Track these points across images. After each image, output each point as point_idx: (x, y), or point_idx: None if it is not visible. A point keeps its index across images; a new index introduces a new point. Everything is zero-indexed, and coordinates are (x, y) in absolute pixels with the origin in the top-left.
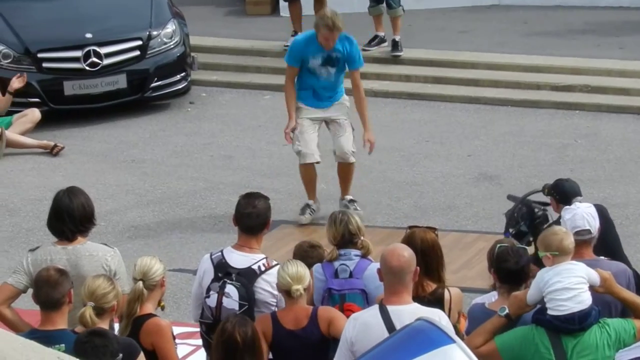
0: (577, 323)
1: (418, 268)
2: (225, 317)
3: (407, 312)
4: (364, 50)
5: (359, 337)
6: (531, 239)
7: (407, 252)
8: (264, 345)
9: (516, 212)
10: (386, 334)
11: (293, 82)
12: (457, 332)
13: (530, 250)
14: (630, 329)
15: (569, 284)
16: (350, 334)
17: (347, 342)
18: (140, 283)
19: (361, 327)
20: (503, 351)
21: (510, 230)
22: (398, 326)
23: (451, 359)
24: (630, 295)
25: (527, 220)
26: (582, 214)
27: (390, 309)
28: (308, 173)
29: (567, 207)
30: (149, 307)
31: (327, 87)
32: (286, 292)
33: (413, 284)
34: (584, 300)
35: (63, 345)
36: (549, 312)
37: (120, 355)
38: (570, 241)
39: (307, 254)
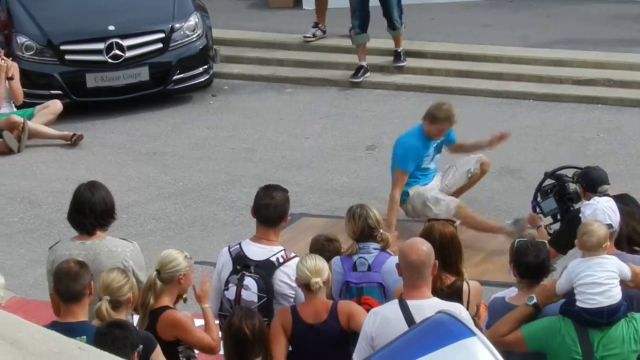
0: (606, 317)
1: (437, 262)
2: (230, 314)
3: (427, 306)
4: (352, 82)
5: (379, 332)
6: (556, 214)
7: (425, 246)
8: (283, 338)
9: (547, 184)
10: (406, 329)
11: (402, 189)
12: (476, 325)
13: (555, 227)
14: None
15: (599, 279)
16: (370, 328)
17: (367, 337)
18: (155, 274)
19: (381, 321)
20: (529, 340)
21: (539, 199)
22: (418, 320)
23: (472, 352)
24: None
25: (557, 195)
26: (602, 209)
27: (410, 303)
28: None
29: (587, 202)
30: (164, 300)
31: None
32: (305, 285)
33: (432, 277)
34: (614, 295)
35: (84, 337)
36: (578, 304)
37: (141, 346)
38: (590, 240)
39: (323, 247)
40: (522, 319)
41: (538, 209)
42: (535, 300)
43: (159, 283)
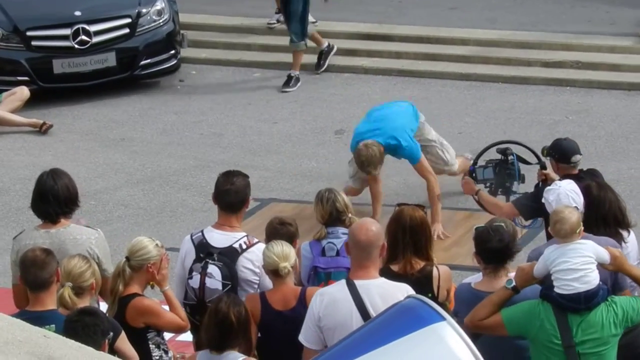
0: (583, 303)
1: (385, 243)
2: (217, 297)
3: (374, 286)
4: (283, 92)
5: (326, 312)
6: (491, 185)
7: (375, 227)
8: (253, 326)
9: (493, 158)
10: (354, 309)
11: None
12: (447, 310)
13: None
14: (638, 307)
15: (575, 265)
16: (317, 308)
17: (315, 317)
18: (124, 260)
19: (329, 302)
20: (509, 324)
21: (479, 164)
22: (366, 300)
23: (441, 336)
24: None
25: (497, 167)
26: (565, 193)
27: (358, 283)
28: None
29: (549, 188)
30: (134, 288)
31: None
32: (273, 271)
33: (382, 259)
34: (591, 280)
35: (53, 325)
36: (556, 290)
37: (111, 334)
38: (563, 227)
39: (276, 230)
40: (501, 302)
41: (474, 174)
42: (514, 283)
43: (128, 270)
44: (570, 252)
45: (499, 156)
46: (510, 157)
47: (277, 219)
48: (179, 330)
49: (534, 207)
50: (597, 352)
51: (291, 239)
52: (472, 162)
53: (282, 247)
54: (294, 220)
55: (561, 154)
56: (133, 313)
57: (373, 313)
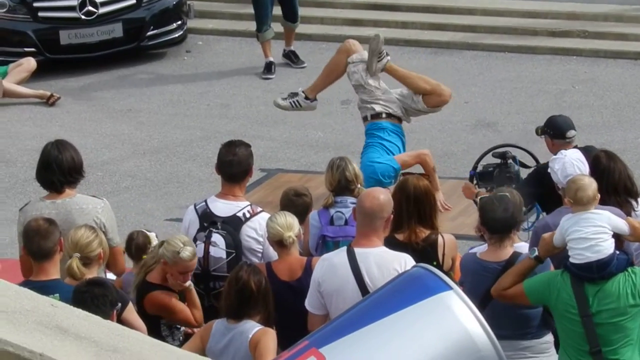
0: (596, 272)
1: (391, 216)
2: (238, 266)
3: (373, 254)
4: (265, 79)
5: (324, 278)
6: (492, 188)
7: (383, 196)
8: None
9: (491, 162)
10: (351, 276)
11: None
12: (452, 279)
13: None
14: None
15: (586, 234)
16: (318, 274)
17: (315, 282)
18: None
19: (328, 267)
20: (530, 294)
21: (478, 168)
22: (363, 268)
23: (448, 305)
24: None
25: (497, 169)
26: (570, 162)
27: (358, 251)
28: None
29: (554, 157)
30: (156, 277)
31: None
32: (278, 242)
33: (387, 231)
34: (603, 249)
35: (57, 294)
36: (570, 260)
37: (120, 304)
38: (586, 194)
39: (292, 202)
40: (525, 272)
41: (475, 180)
42: (537, 253)
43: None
44: (582, 222)
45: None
46: (509, 161)
47: (292, 190)
48: (191, 326)
49: (531, 192)
50: (614, 323)
51: (306, 209)
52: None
53: (285, 218)
54: (308, 191)
55: (556, 130)
56: (149, 304)
57: (368, 281)
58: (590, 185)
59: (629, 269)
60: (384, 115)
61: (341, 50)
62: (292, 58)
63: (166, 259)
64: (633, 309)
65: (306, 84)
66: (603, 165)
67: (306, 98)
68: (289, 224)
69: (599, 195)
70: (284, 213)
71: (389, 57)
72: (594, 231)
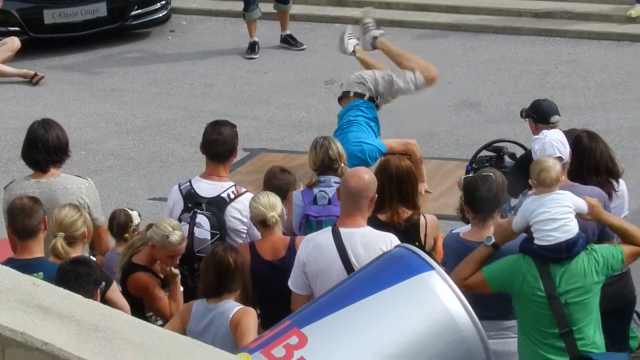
0: (565, 252)
1: (376, 195)
2: (213, 245)
3: (358, 234)
4: (249, 59)
5: (309, 258)
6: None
7: (367, 176)
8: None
9: (485, 155)
10: (336, 256)
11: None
12: (434, 259)
13: None
14: (617, 254)
15: (554, 214)
16: (303, 254)
17: (300, 262)
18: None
19: (313, 248)
20: (491, 281)
21: (474, 165)
22: (349, 248)
23: (430, 285)
24: (617, 220)
25: (492, 166)
26: (550, 142)
27: (343, 231)
28: None
29: (535, 137)
30: (142, 259)
31: None
32: (261, 222)
33: (370, 210)
34: (571, 229)
35: (41, 273)
36: (536, 242)
37: (104, 283)
38: (549, 175)
39: (275, 176)
40: (482, 260)
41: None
42: (493, 240)
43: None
44: (549, 202)
45: (488, 155)
46: (504, 156)
47: (279, 167)
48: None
49: (518, 181)
50: (580, 301)
51: (287, 186)
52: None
53: (268, 197)
54: (292, 171)
55: (540, 115)
56: (131, 285)
57: (354, 261)
58: (554, 167)
59: (588, 247)
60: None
61: None
62: (290, 42)
63: (155, 242)
64: (596, 286)
65: (291, 63)
66: (584, 145)
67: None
68: (272, 203)
69: (562, 177)
70: (266, 193)
71: (379, 32)
72: (561, 211)
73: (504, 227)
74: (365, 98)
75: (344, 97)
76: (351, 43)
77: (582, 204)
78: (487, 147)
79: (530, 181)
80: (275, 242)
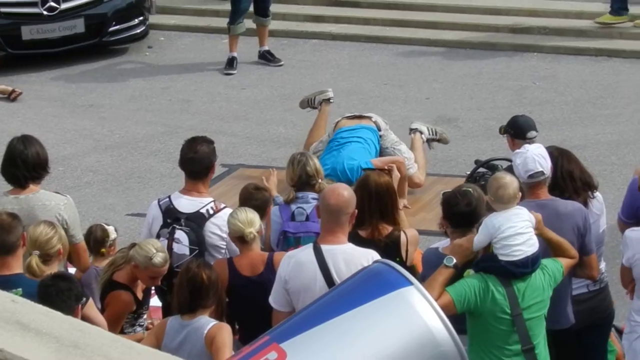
0: (531, 266)
1: (356, 211)
2: (186, 261)
3: (340, 251)
4: (227, 74)
5: (291, 275)
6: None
7: (347, 192)
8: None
9: (476, 173)
10: (319, 273)
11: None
12: (414, 274)
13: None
14: (559, 267)
15: (520, 229)
16: (284, 271)
17: (281, 279)
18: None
19: (295, 265)
20: (459, 302)
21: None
22: (331, 265)
23: (408, 301)
24: (555, 236)
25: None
26: (532, 157)
27: (324, 248)
28: None
29: (517, 151)
30: (122, 277)
31: None
32: (239, 238)
33: (350, 225)
34: (535, 242)
35: (20, 289)
36: (503, 258)
37: (84, 299)
38: (507, 192)
39: (251, 195)
40: (445, 281)
41: None
42: (454, 261)
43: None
44: (514, 217)
45: (482, 172)
46: (497, 167)
47: (253, 185)
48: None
49: None
50: (538, 316)
51: (265, 204)
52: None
53: (246, 214)
54: (269, 188)
55: (517, 131)
56: (110, 300)
57: (336, 278)
58: (512, 184)
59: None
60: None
61: None
62: (268, 57)
63: (137, 263)
64: (548, 301)
65: (269, 79)
66: (554, 159)
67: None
68: (250, 219)
69: (519, 194)
70: (244, 209)
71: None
72: (525, 225)
73: (465, 247)
74: (380, 133)
75: (365, 118)
76: (424, 129)
77: (533, 219)
78: (483, 165)
79: (487, 197)
80: (253, 257)
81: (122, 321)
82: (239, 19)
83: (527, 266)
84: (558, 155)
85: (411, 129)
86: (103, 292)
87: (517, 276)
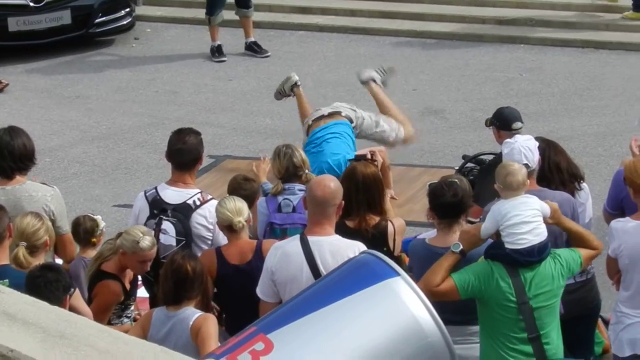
0: (537, 255)
1: (343, 202)
2: (172, 252)
3: (326, 242)
4: (218, 62)
5: (278, 267)
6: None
7: (333, 184)
8: (210, 282)
9: (464, 168)
10: (305, 264)
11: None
12: (401, 264)
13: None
14: (577, 258)
15: (526, 217)
16: (271, 262)
17: (268, 270)
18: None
19: (281, 256)
20: (462, 288)
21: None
22: (317, 256)
23: (395, 291)
24: (575, 225)
25: (475, 177)
26: (519, 148)
27: (311, 239)
28: None
29: (506, 140)
30: (110, 267)
31: None
32: (228, 227)
33: (337, 217)
34: (542, 232)
35: (7, 280)
36: (508, 246)
37: (72, 290)
38: (515, 179)
39: (240, 186)
40: (449, 267)
41: None
42: (461, 247)
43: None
44: (520, 206)
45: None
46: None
47: (242, 175)
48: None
49: (486, 184)
50: (548, 305)
51: (254, 195)
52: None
53: (234, 203)
54: (258, 175)
55: (502, 122)
56: (99, 289)
57: (322, 269)
58: (520, 170)
59: (552, 251)
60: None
61: None
62: (254, 49)
63: (125, 249)
64: (560, 290)
65: (255, 70)
66: (541, 150)
67: None
68: (239, 208)
69: (528, 181)
70: (233, 198)
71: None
72: (532, 214)
73: (472, 234)
74: (353, 125)
75: (334, 115)
76: (375, 75)
77: (546, 208)
78: (470, 160)
79: (496, 186)
80: (242, 246)
81: (110, 311)
82: (217, 9)
83: (532, 255)
84: (545, 146)
85: (363, 82)
86: (91, 283)
87: (523, 264)
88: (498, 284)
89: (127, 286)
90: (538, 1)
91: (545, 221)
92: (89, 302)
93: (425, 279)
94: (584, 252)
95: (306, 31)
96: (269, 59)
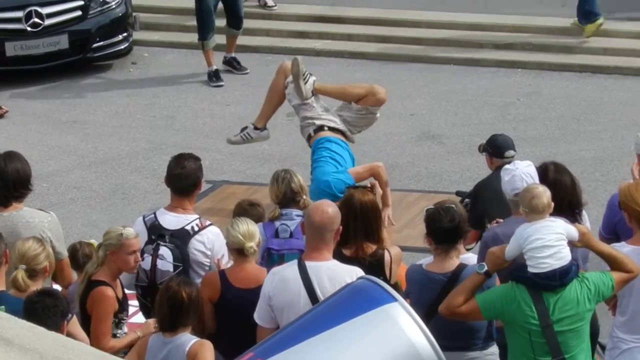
0: (559, 279)
1: (340, 228)
2: (168, 278)
3: (324, 268)
4: (216, 87)
5: (276, 292)
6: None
7: (331, 209)
8: (208, 307)
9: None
10: (303, 290)
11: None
12: (399, 291)
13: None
14: (608, 281)
15: (549, 241)
16: (268, 288)
17: (266, 296)
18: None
19: (279, 282)
20: (484, 309)
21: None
22: (315, 282)
23: (393, 317)
24: (607, 248)
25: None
26: (520, 175)
27: (309, 264)
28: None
29: (507, 167)
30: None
31: None
32: (238, 250)
33: (335, 243)
34: (565, 256)
35: (3, 306)
36: (530, 269)
37: (70, 315)
38: (541, 201)
39: (246, 212)
40: (474, 288)
41: None
42: (486, 268)
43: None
44: (543, 229)
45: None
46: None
47: (247, 201)
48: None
49: (477, 212)
50: (574, 329)
51: (259, 220)
52: None
53: (247, 226)
54: (261, 202)
55: (495, 150)
56: (93, 296)
57: (320, 295)
58: (545, 193)
59: (580, 275)
60: (326, 129)
61: (279, 71)
62: (234, 65)
63: (112, 248)
64: (588, 314)
65: (253, 95)
66: (549, 179)
67: (255, 128)
68: (251, 232)
69: (552, 204)
70: (245, 220)
71: (314, 77)
72: (555, 238)
73: (497, 255)
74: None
75: (318, 131)
76: (309, 83)
77: (573, 231)
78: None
79: (521, 209)
80: (249, 271)
81: (111, 318)
82: (210, 33)
83: (554, 279)
84: (553, 176)
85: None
86: (83, 296)
87: (545, 288)
88: (520, 306)
89: (119, 294)
90: (535, 25)
91: (574, 244)
92: (83, 316)
93: (449, 299)
94: (616, 276)
95: (303, 56)
96: (266, 83)
